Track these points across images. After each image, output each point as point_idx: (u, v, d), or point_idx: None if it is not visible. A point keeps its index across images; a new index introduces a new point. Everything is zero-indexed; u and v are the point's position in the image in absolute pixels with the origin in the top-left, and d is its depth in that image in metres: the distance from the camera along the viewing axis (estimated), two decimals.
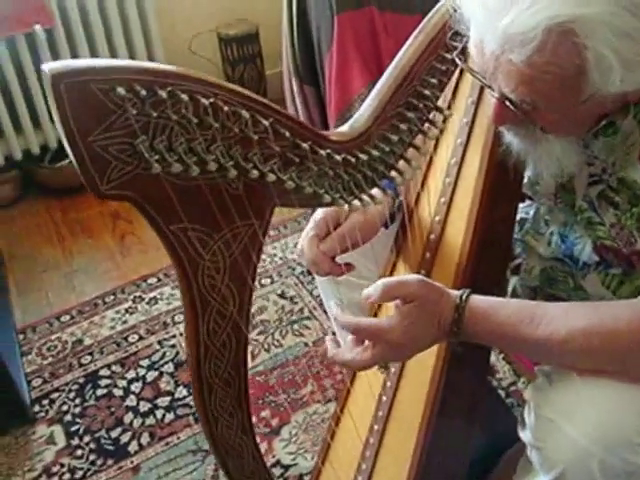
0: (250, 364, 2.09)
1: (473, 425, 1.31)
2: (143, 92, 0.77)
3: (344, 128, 0.99)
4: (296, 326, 2.22)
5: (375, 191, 1.02)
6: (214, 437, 1.10)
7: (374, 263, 1.34)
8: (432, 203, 1.22)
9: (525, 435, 1.12)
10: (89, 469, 1.85)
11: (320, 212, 1.22)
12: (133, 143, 0.79)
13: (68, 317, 2.36)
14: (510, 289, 1.39)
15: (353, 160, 0.97)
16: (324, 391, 1.96)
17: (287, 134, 0.89)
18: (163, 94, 0.78)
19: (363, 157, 0.98)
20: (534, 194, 1.22)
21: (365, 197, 1.00)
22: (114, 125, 0.78)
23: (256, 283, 2.39)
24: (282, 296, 2.34)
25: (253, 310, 2.28)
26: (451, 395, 1.20)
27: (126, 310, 2.36)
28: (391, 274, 1.30)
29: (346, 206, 1.00)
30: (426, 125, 1.04)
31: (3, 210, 2.91)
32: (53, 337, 2.28)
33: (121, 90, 0.76)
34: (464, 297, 1.04)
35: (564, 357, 1.02)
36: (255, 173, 0.87)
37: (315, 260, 1.21)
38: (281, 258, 2.50)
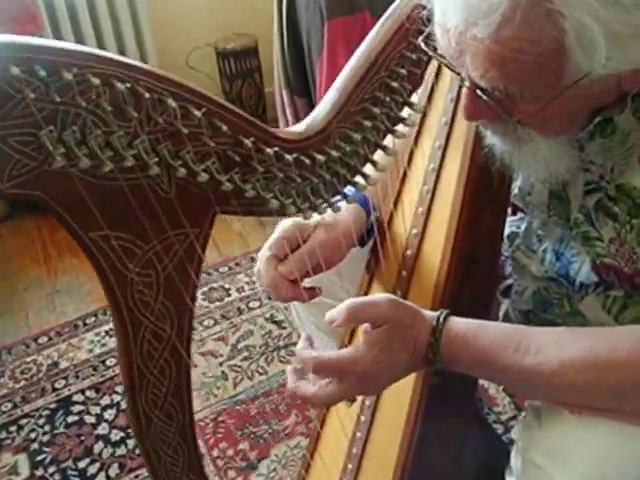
0: (232, 392, 1.99)
1: (460, 464, 1.18)
2: (43, 73, 0.65)
3: (299, 126, 0.87)
4: (283, 352, 2.10)
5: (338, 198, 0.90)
6: (157, 476, 0.98)
7: (351, 282, 1.20)
8: (408, 216, 1.09)
9: None
10: None
11: (279, 230, 1.08)
12: (38, 135, 0.67)
13: (46, 338, 2.25)
14: (501, 313, 1.25)
15: (308, 161, 0.85)
16: (308, 423, 1.82)
17: (225, 128, 0.77)
18: (69, 76, 0.66)
19: (320, 158, 0.85)
20: (525, 206, 1.09)
21: (324, 206, 0.88)
22: (13, 113, 0.66)
23: (243, 306, 2.28)
24: (270, 320, 2.23)
25: (238, 335, 2.17)
26: (431, 432, 1.07)
27: (106, 332, 2.26)
28: (366, 295, 1.17)
29: (310, 216, 0.88)
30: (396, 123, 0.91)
31: None
32: (29, 359, 2.18)
33: (16, 70, 0.64)
34: (441, 318, 0.92)
35: (553, 391, 0.88)
36: (182, 171, 0.75)
37: (273, 284, 1.07)
38: None
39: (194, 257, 0.83)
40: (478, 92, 0.84)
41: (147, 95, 0.71)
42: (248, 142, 0.79)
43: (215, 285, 2.39)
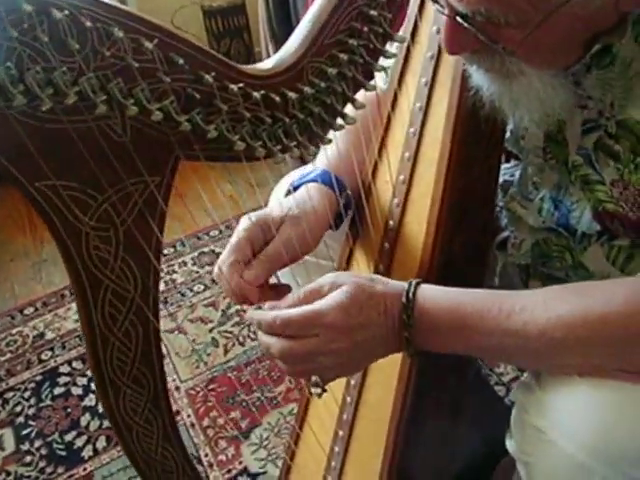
0: (223, 359, 1.92)
1: (460, 426, 1.11)
2: None
3: (268, 61, 0.78)
4: None
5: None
6: (130, 449, 0.91)
7: (335, 239, 1.12)
8: (394, 162, 1.00)
9: (511, 446, 0.91)
10: (37, 477, 1.66)
11: (239, 230, 0.97)
12: None
13: (32, 309, 2.19)
14: (498, 269, 1.18)
15: (278, 100, 0.76)
16: (302, 389, 1.75)
17: (181, 62, 0.69)
18: None
19: (292, 96, 0.77)
20: (519, 151, 1.01)
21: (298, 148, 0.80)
22: None
23: None
24: None
25: (229, 300, 2.09)
26: (427, 391, 1.01)
27: None
28: (348, 261, 1.09)
29: (282, 160, 0.80)
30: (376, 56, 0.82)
31: None
32: (14, 331, 2.11)
33: None
34: (413, 282, 0.84)
35: (542, 354, 0.81)
36: (134, 109, 0.67)
37: (239, 292, 0.95)
38: None
39: (156, 209, 0.75)
40: (458, 19, 0.75)
41: (89, 24, 0.63)
42: (209, 78, 0.71)
43: (205, 249, 2.32)
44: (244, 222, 0.97)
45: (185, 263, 2.26)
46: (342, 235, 1.10)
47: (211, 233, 2.36)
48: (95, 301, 0.77)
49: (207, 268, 2.23)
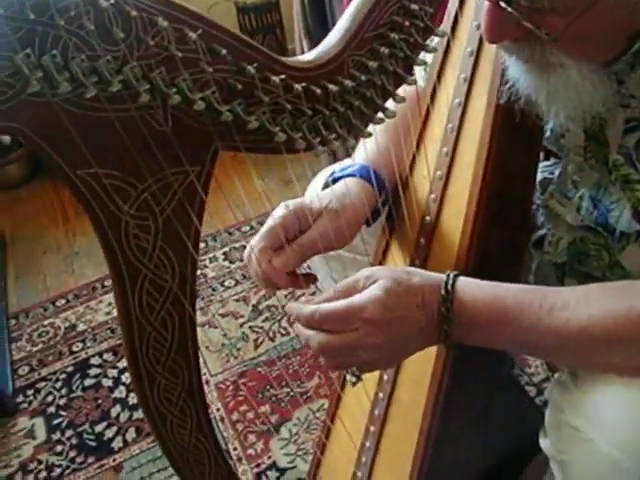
0: (253, 354, 1.92)
1: (491, 426, 1.10)
2: None
3: (309, 54, 0.78)
4: None
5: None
6: (163, 439, 0.92)
7: (371, 234, 1.12)
8: (431, 157, 1.00)
9: (545, 445, 0.91)
10: (68, 466, 1.68)
11: (275, 217, 0.98)
12: (13, 58, 0.60)
13: (64, 301, 2.21)
14: (534, 267, 1.17)
15: (319, 92, 0.76)
16: (332, 385, 1.74)
17: (224, 52, 0.69)
18: None
19: (333, 88, 0.77)
20: (559, 149, 1.00)
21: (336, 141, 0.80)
22: None
23: None
24: None
25: (260, 295, 2.10)
26: (459, 391, 1.00)
27: None
28: (384, 256, 1.08)
29: (322, 152, 0.80)
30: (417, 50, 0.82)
31: (11, 191, 2.80)
32: (46, 322, 2.14)
33: None
34: (451, 275, 0.84)
35: (583, 352, 0.80)
36: (177, 98, 0.67)
37: (265, 277, 0.97)
38: None
39: (195, 198, 0.76)
40: (502, 4, 0.75)
41: (134, 13, 0.63)
42: (251, 69, 0.71)
43: (237, 245, 2.32)
44: (281, 209, 0.97)
45: (216, 258, 2.27)
46: (378, 230, 1.10)
47: (242, 229, 2.37)
48: (133, 290, 0.77)
49: (238, 263, 2.23)
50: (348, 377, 0.86)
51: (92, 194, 0.70)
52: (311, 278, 1.01)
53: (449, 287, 0.82)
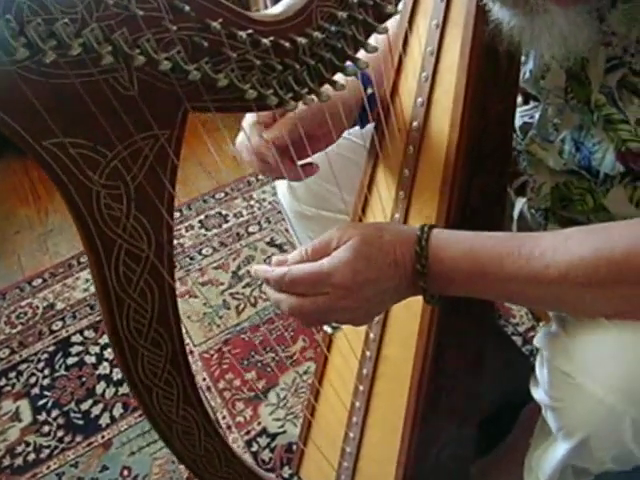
0: (235, 321, 1.90)
1: (480, 378, 1.09)
2: None
3: (276, 7, 0.75)
4: None
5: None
6: (150, 412, 0.90)
7: (349, 192, 1.10)
8: (407, 108, 0.97)
9: (538, 394, 0.90)
10: (56, 447, 1.66)
11: None
12: None
13: (40, 280, 2.17)
14: (516, 213, 1.15)
15: (288, 46, 0.73)
16: (317, 347, 1.73)
17: (187, 9, 0.66)
18: None
19: (302, 41, 0.74)
20: (539, 92, 0.98)
21: (311, 95, 0.77)
22: None
23: (242, 231, 2.18)
24: (271, 244, 2.13)
25: (239, 261, 2.08)
26: (447, 344, 0.99)
27: None
28: (363, 213, 1.06)
29: (294, 107, 0.77)
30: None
31: None
32: (24, 303, 2.09)
33: None
34: (426, 228, 0.82)
35: (566, 297, 0.78)
36: (141, 59, 0.64)
37: (257, 152, 0.96)
38: (270, 203, 2.27)
39: (167, 163, 0.73)
40: None
41: None
42: (216, 25, 0.68)
43: (212, 212, 2.28)
44: None
45: (192, 226, 2.24)
46: (356, 188, 1.08)
47: (217, 196, 2.33)
48: (109, 262, 0.75)
49: (214, 231, 2.20)
50: (325, 327, 0.84)
51: (59, 165, 0.68)
52: (313, 168, 1.00)
53: (423, 242, 0.80)
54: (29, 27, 0.59)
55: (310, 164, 1.00)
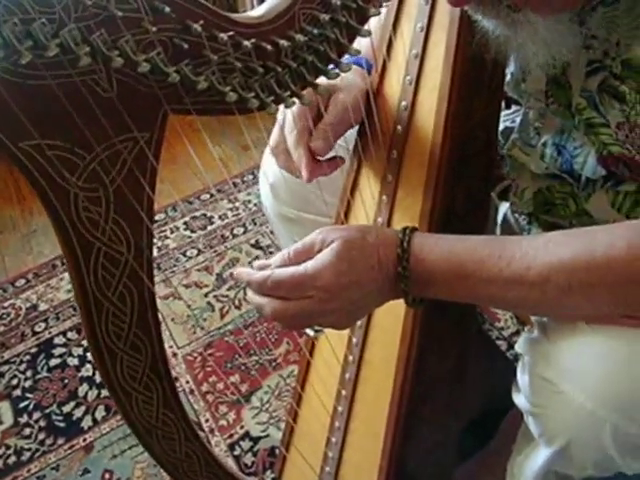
0: (219, 323, 1.90)
1: (463, 382, 1.09)
2: None
3: (258, 9, 0.75)
4: None
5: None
6: (129, 416, 0.89)
7: (332, 194, 1.09)
8: (391, 111, 0.97)
9: (519, 399, 0.90)
10: (37, 449, 1.65)
11: (291, 111, 0.94)
12: None
13: (23, 281, 2.15)
14: (500, 218, 1.15)
15: (270, 49, 0.73)
16: (301, 350, 1.73)
17: (167, 10, 0.65)
18: None
19: (284, 44, 0.74)
20: (520, 95, 0.98)
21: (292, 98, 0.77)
22: None
23: (227, 233, 2.18)
24: (256, 246, 2.13)
25: (223, 264, 2.07)
26: (430, 348, 0.99)
27: None
28: (346, 217, 1.06)
29: (275, 110, 0.77)
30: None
31: None
32: (6, 304, 2.08)
33: None
34: (407, 230, 0.81)
35: (546, 300, 0.77)
36: (119, 61, 0.63)
37: (307, 162, 0.94)
38: (255, 205, 2.26)
39: (146, 166, 0.72)
40: None
41: None
42: (197, 27, 0.67)
43: (197, 214, 2.27)
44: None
45: (177, 228, 2.23)
46: (339, 191, 1.07)
47: (202, 197, 2.32)
48: (87, 265, 0.74)
49: (200, 232, 2.20)
50: (308, 331, 0.84)
51: (36, 167, 0.67)
52: (337, 161, 0.99)
53: (405, 245, 0.80)
54: (5, 27, 0.58)
55: (335, 157, 0.98)
